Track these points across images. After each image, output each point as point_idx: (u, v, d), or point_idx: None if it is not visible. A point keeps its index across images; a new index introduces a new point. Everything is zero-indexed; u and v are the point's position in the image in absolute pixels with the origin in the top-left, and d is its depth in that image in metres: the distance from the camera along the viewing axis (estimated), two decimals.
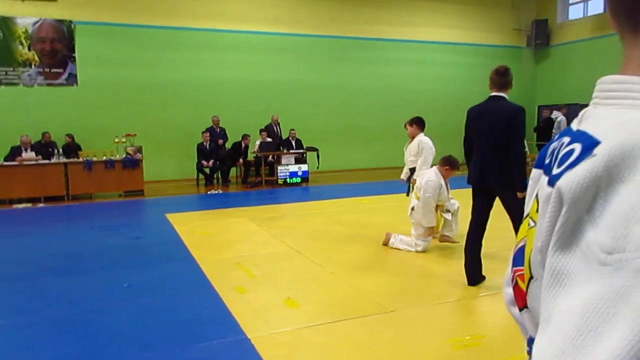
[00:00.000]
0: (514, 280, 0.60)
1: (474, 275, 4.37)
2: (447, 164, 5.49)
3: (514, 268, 0.60)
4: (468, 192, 4.42)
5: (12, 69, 11.17)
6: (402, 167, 6.31)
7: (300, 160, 12.19)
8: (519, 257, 0.59)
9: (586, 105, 0.58)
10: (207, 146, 11.76)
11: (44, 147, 10.49)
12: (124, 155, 10.62)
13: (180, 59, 12.67)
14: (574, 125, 0.56)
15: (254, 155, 12.12)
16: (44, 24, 11.38)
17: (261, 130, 12.18)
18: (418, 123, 6.04)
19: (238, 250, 5.87)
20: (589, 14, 15.41)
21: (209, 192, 10.91)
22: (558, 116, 12.78)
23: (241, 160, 12.16)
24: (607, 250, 0.41)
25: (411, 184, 6.01)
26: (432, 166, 5.89)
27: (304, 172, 11.97)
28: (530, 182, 0.66)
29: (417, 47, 15.35)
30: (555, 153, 0.53)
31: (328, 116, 14.32)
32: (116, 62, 12.07)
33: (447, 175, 5.49)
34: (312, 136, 13.20)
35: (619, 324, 0.39)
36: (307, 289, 4.42)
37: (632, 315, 0.38)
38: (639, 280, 0.39)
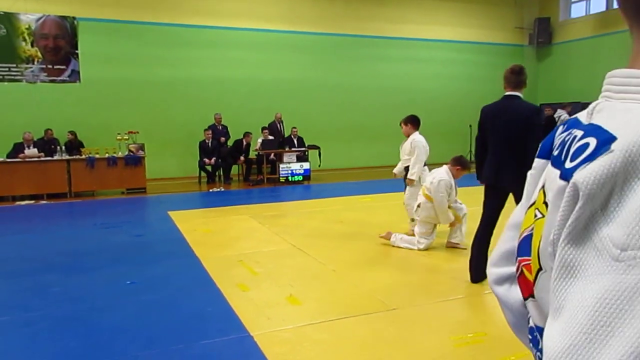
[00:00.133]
0: (519, 270, 0.60)
1: (478, 272, 4.36)
2: (458, 164, 5.48)
3: (519, 258, 0.60)
4: (474, 190, 4.41)
5: (15, 65, 11.19)
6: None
7: (302, 158, 12.20)
8: (524, 247, 0.59)
9: (588, 104, 0.57)
10: (209, 144, 11.77)
11: (47, 144, 10.51)
12: (127, 153, 10.64)
13: (182, 56, 12.67)
14: (584, 118, 0.55)
15: (256, 153, 12.13)
16: (47, 21, 11.40)
17: (263, 128, 12.18)
18: (412, 122, 6.07)
19: (240, 247, 5.88)
20: (592, 12, 15.37)
21: (211, 190, 10.92)
22: (562, 114, 12.72)
23: (242, 158, 12.17)
24: (620, 247, 0.41)
25: (406, 182, 6.07)
26: (425, 165, 5.96)
27: (305, 170, 11.97)
28: (533, 172, 0.65)
29: (419, 45, 15.33)
30: (566, 145, 0.53)
31: (330, 114, 14.31)
32: (119, 59, 12.07)
33: (458, 175, 5.48)
34: (313, 134, 13.20)
35: (633, 321, 0.39)
36: (309, 287, 4.44)
37: None
38: None
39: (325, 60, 14.25)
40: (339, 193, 9.99)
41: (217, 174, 12.12)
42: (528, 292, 0.58)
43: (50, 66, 11.50)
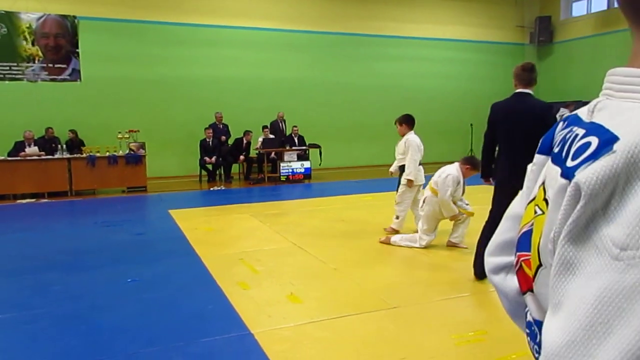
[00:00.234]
0: (519, 264, 0.61)
1: (482, 269, 4.35)
2: (469, 163, 5.49)
3: (518, 253, 0.61)
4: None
5: (16, 64, 11.20)
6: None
7: (302, 157, 12.20)
8: (524, 242, 0.59)
9: (588, 103, 0.57)
10: (210, 142, 11.77)
11: (48, 143, 10.51)
12: (127, 151, 10.64)
13: (183, 55, 12.67)
14: (585, 116, 0.55)
15: (257, 151, 12.13)
16: (48, 19, 11.40)
17: (264, 127, 12.18)
18: (407, 122, 6.11)
19: (241, 246, 5.89)
20: (593, 11, 15.35)
21: (211, 189, 10.92)
22: (565, 113, 12.69)
23: (242, 157, 12.17)
24: (620, 246, 0.42)
25: (401, 182, 6.11)
26: (420, 164, 5.99)
27: (306, 169, 11.97)
28: (533, 167, 0.66)
29: (420, 44, 15.32)
30: (567, 143, 0.53)
31: (330, 113, 14.31)
32: (120, 58, 12.07)
33: (467, 174, 5.48)
34: (314, 133, 13.19)
35: (632, 319, 0.40)
36: (310, 285, 4.43)
37: None
38: None
39: (326, 59, 14.24)
40: (340, 192, 9.99)
41: (217, 172, 12.12)
42: (527, 286, 0.59)
43: (51, 65, 11.51)
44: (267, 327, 3.50)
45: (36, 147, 10.04)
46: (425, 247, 5.47)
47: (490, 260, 0.75)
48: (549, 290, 0.48)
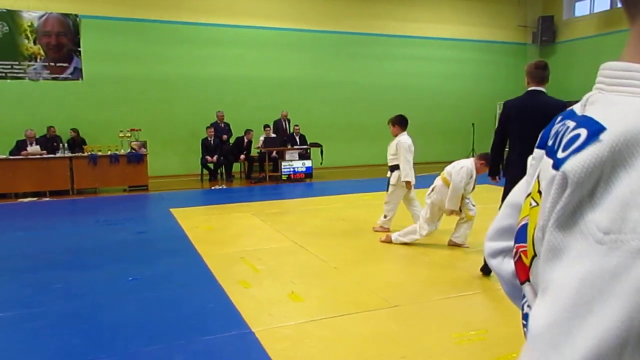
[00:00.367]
0: (518, 255, 0.63)
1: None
2: (483, 159, 5.47)
3: (517, 244, 0.63)
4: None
5: (17, 62, 11.21)
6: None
7: (304, 156, 12.20)
8: (521, 234, 0.61)
9: None
10: (212, 141, 11.78)
11: (49, 141, 10.52)
12: (129, 150, 10.65)
13: (185, 54, 12.67)
14: (578, 110, 0.57)
15: (258, 150, 12.13)
16: (50, 18, 11.41)
17: (265, 126, 12.18)
18: (400, 123, 6.12)
19: (242, 244, 5.89)
20: (595, 11, 15.32)
21: (213, 187, 10.93)
22: None
23: (243, 155, 12.17)
24: (604, 230, 0.43)
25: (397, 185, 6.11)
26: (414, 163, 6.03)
27: (307, 168, 11.98)
28: (532, 162, 0.67)
29: (422, 43, 15.30)
30: (559, 136, 0.55)
31: (332, 112, 14.31)
32: (121, 57, 12.08)
33: (481, 170, 5.47)
34: (316, 132, 13.19)
35: (612, 301, 0.41)
36: (311, 284, 4.43)
37: (624, 293, 0.41)
38: (633, 261, 0.41)
39: (328, 58, 14.24)
40: (341, 191, 9.99)
41: (219, 171, 12.13)
42: (525, 276, 0.61)
43: (52, 64, 11.52)
44: (268, 326, 3.50)
45: (38, 146, 10.05)
46: (427, 236, 5.46)
47: (489, 245, 0.79)
48: (538, 277, 0.50)
